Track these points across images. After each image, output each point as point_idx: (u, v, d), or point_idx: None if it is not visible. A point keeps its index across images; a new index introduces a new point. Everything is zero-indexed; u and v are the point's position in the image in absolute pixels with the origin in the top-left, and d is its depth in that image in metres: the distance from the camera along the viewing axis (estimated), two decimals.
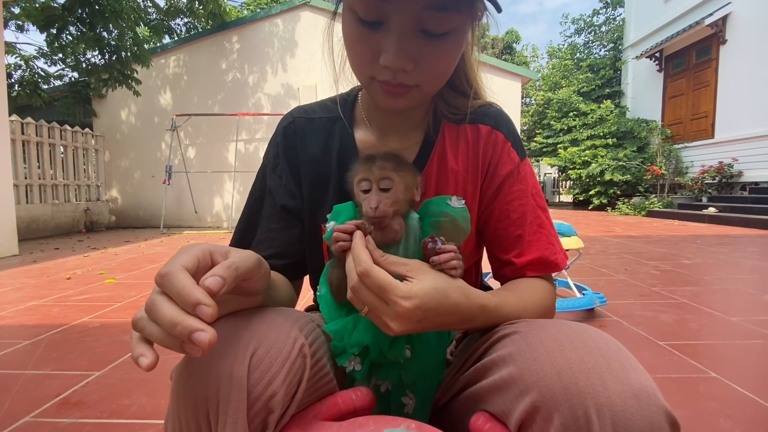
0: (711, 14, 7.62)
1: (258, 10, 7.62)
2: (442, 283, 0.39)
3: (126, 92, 6.31)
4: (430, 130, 0.59)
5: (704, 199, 7.33)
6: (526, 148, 0.62)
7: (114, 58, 5.99)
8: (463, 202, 0.46)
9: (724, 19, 7.56)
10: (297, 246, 0.61)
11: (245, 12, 12.09)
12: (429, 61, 0.46)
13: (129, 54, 6.01)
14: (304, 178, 0.60)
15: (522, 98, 11.12)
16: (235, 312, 0.40)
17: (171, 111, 7.12)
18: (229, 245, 0.66)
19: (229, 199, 7.06)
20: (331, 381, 0.43)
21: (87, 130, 6.80)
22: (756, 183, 6.98)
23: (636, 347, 1.47)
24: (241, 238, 0.64)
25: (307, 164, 0.60)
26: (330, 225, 0.47)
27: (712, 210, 6.49)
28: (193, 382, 0.35)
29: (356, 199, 0.46)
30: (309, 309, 0.68)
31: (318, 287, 0.54)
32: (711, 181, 7.57)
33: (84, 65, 6.28)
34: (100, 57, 6.07)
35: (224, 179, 7.31)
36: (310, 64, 7.03)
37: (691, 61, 8.67)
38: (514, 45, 17.98)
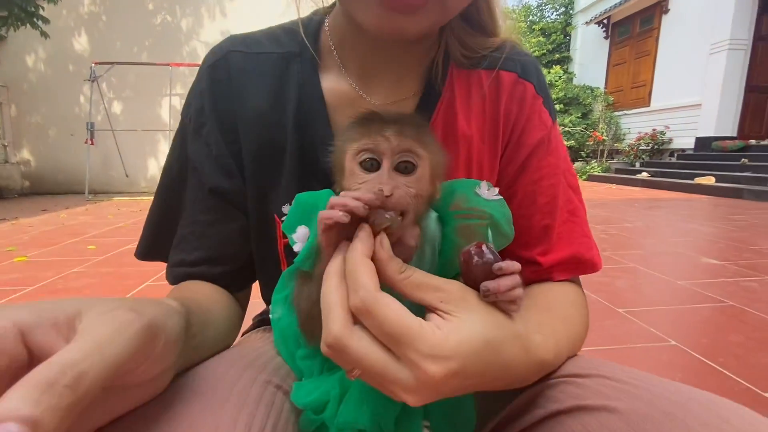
0: None
1: None
2: (495, 330, 0.25)
3: (30, 34, 5.32)
4: (434, 77, 0.42)
5: (638, 165, 7.87)
6: None
7: None
8: (497, 191, 0.32)
9: None
10: (238, 246, 0.43)
11: None
12: None
13: None
14: (246, 144, 0.42)
15: None
16: (124, 416, 0.23)
17: (89, 58, 6.16)
18: (137, 250, 0.46)
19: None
20: None
21: None
22: (683, 150, 7.59)
23: (599, 316, 1.48)
24: (154, 238, 0.46)
25: (248, 124, 0.42)
26: (296, 236, 0.30)
27: (644, 175, 6.98)
28: None
29: (343, 184, 0.29)
30: (262, 321, 0.52)
31: (272, 307, 0.38)
32: (645, 148, 8.12)
33: None
34: None
35: (158, 138, 6.61)
36: (255, 8, 6.32)
37: (635, 29, 8.96)
38: None
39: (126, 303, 0.21)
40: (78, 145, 6.18)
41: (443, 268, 0.31)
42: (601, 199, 5.10)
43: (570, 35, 11.59)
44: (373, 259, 0.25)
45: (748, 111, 6.86)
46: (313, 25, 0.44)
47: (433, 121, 0.42)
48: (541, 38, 11.85)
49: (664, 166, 7.37)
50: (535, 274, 0.43)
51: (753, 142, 6.50)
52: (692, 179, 5.96)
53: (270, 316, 0.39)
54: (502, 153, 0.44)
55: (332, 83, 0.43)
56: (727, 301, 1.60)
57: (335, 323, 0.24)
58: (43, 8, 5.19)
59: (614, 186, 6.96)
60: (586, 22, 10.21)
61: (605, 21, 9.64)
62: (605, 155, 8.91)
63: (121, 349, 0.19)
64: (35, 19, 5.11)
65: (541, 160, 0.43)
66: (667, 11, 7.94)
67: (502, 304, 0.26)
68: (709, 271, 2.04)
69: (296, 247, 0.30)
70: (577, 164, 8.83)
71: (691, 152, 7.29)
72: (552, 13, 13.56)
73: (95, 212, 4.33)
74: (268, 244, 0.43)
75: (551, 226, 0.43)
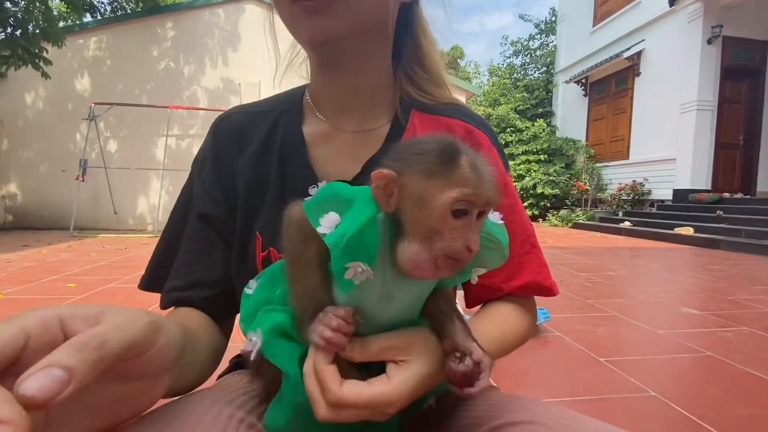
0: (628, 48, 8.50)
1: None
2: (430, 365, 0.34)
3: (32, 73, 5.49)
4: (398, 114, 0.51)
5: (620, 214, 8.11)
6: None
7: (19, 33, 5.17)
8: (500, 216, 0.37)
9: (639, 54, 8.49)
10: (221, 272, 0.49)
11: None
12: None
13: (37, 30, 5.23)
14: (240, 182, 0.50)
15: None
16: None
17: (89, 98, 6.33)
18: (141, 282, 0.52)
19: (156, 200, 6.42)
20: None
21: None
22: (662, 201, 7.88)
23: (581, 365, 1.49)
24: (159, 266, 0.52)
25: (243, 167, 0.50)
26: (325, 221, 0.31)
27: (627, 224, 7.18)
28: None
29: (426, 220, 0.29)
30: (237, 364, 0.53)
31: (252, 281, 0.43)
32: (626, 198, 8.42)
33: None
34: (0, 30, 5.21)
35: (151, 177, 6.65)
36: (254, 59, 6.67)
37: (611, 89, 9.61)
38: (459, 60, 18.77)
39: (137, 310, 0.27)
40: (68, 181, 6.18)
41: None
42: (586, 247, 5.20)
43: (552, 92, 12.34)
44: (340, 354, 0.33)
45: (720, 166, 7.26)
46: (299, 90, 0.55)
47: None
48: (525, 94, 12.59)
49: (645, 216, 7.61)
50: (497, 297, 0.50)
51: (726, 195, 6.81)
52: (672, 229, 6.15)
53: (245, 290, 0.42)
54: None
55: (311, 127, 0.51)
56: (705, 352, 1.62)
57: (321, 410, 0.32)
58: (47, 50, 5.38)
59: (598, 234, 7.13)
60: (566, 81, 10.92)
61: (583, 81, 10.34)
62: (589, 204, 9.19)
63: (133, 332, 0.25)
64: (38, 61, 5.29)
65: (500, 200, 0.49)
66: (639, 74, 8.58)
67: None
68: (688, 321, 2.07)
69: (321, 230, 0.30)
70: (563, 212, 9.07)
71: (669, 203, 7.57)
72: (535, 72, 14.54)
73: (78, 249, 4.25)
74: (247, 260, 0.48)
75: (511, 257, 0.48)
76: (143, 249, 4.39)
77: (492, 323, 0.46)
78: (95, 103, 5.91)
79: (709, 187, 7.14)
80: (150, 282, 0.52)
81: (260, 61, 6.56)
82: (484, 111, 12.40)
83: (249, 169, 0.50)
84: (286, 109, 0.52)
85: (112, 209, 6.42)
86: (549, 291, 0.50)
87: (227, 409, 0.35)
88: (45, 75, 5.36)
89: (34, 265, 3.22)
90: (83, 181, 5.66)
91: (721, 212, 6.08)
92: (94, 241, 5.01)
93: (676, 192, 7.45)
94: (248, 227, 0.48)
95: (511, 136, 11.27)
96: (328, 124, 0.51)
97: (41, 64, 5.31)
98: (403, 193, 0.29)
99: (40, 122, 6.50)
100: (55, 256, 3.74)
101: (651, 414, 1.16)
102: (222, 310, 0.49)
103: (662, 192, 7.87)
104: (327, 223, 0.30)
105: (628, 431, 1.07)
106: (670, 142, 7.56)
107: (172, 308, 0.49)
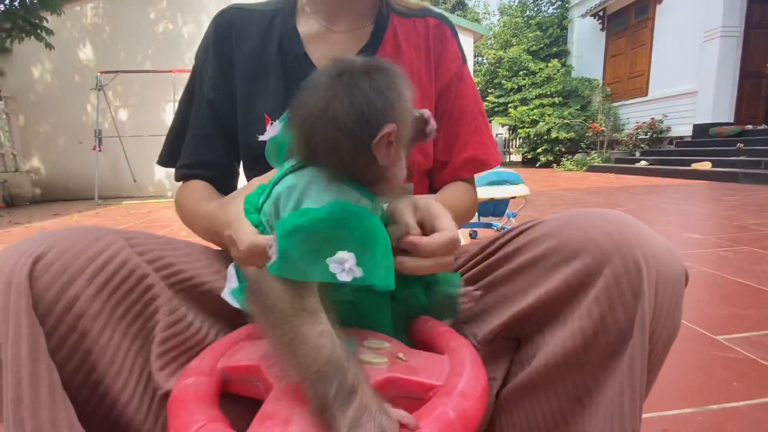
0: None
1: None
2: None
3: (36, 46, 5.49)
4: (383, 16, 0.59)
5: (637, 154, 7.91)
6: None
7: (17, 3, 5.14)
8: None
9: None
10: (222, 155, 0.59)
11: None
12: None
13: (35, 0, 5.17)
14: (239, 70, 0.57)
15: (474, 56, 11.08)
16: None
17: (94, 68, 6.33)
18: (159, 158, 0.64)
19: None
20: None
21: None
22: (681, 137, 7.62)
23: None
24: (172, 146, 0.62)
25: (242, 55, 0.57)
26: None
27: (643, 163, 7.03)
28: None
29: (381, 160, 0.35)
30: None
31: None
32: (644, 137, 8.16)
33: None
34: None
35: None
36: None
37: (630, 20, 9.01)
38: (466, 1, 17.67)
39: None
40: (86, 152, 6.36)
41: None
42: (598, 188, 5.17)
43: (567, 29, 11.63)
44: None
45: (744, 97, 6.89)
46: None
47: (383, 41, 0.58)
48: (538, 33, 11.90)
49: (663, 154, 7.42)
50: (449, 174, 0.60)
51: (749, 127, 6.53)
52: (690, 165, 6.01)
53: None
54: (434, 75, 0.59)
55: (305, 27, 0.59)
56: (699, 268, 1.69)
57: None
58: (47, 20, 5.35)
59: (612, 175, 7.02)
60: (582, 15, 10.26)
61: (601, 13, 9.69)
62: (605, 146, 8.96)
63: None
64: (39, 31, 5.28)
65: (457, 87, 0.60)
66: (660, 1, 7.99)
67: None
68: (689, 244, 2.13)
69: (343, 277, 0.30)
70: (578, 156, 8.89)
71: (689, 139, 7.33)
72: (549, 8, 13.61)
73: (105, 215, 4.49)
74: (252, 140, 0.56)
75: (458, 134, 0.60)
76: (166, 212, 4.59)
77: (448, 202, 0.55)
78: (101, 72, 5.94)
79: (732, 120, 6.84)
80: (166, 159, 0.63)
81: None
82: (495, 54, 11.85)
83: (248, 58, 0.57)
84: (280, 9, 0.59)
85: (131, 177, 6.63)
86: (486, 164, 0.60)
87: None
88: (48, 45, 5.36)
89: None
90: (100, 151, 5.82)
91: (742, 145, 5.87)
92: (119, 207, 5.26)
93: (696, 127, 7.18)
94: (251, 110, 0.57)
95: (524, 79, 10.82)
96: (321, 24, 0.58)
97: (43, 34, 5.30)
98: (400, 136, 0.35)
99: (50, 95, 6.58)
100: (85, 221, 3.97)
101: None
102: (224, 188, 0.60)
103: (682, 128, 7.59)
104: (343, 266, 0.30)
105: None
106: (692, 75, 7.17)
107: (181, 182, 0.60)
